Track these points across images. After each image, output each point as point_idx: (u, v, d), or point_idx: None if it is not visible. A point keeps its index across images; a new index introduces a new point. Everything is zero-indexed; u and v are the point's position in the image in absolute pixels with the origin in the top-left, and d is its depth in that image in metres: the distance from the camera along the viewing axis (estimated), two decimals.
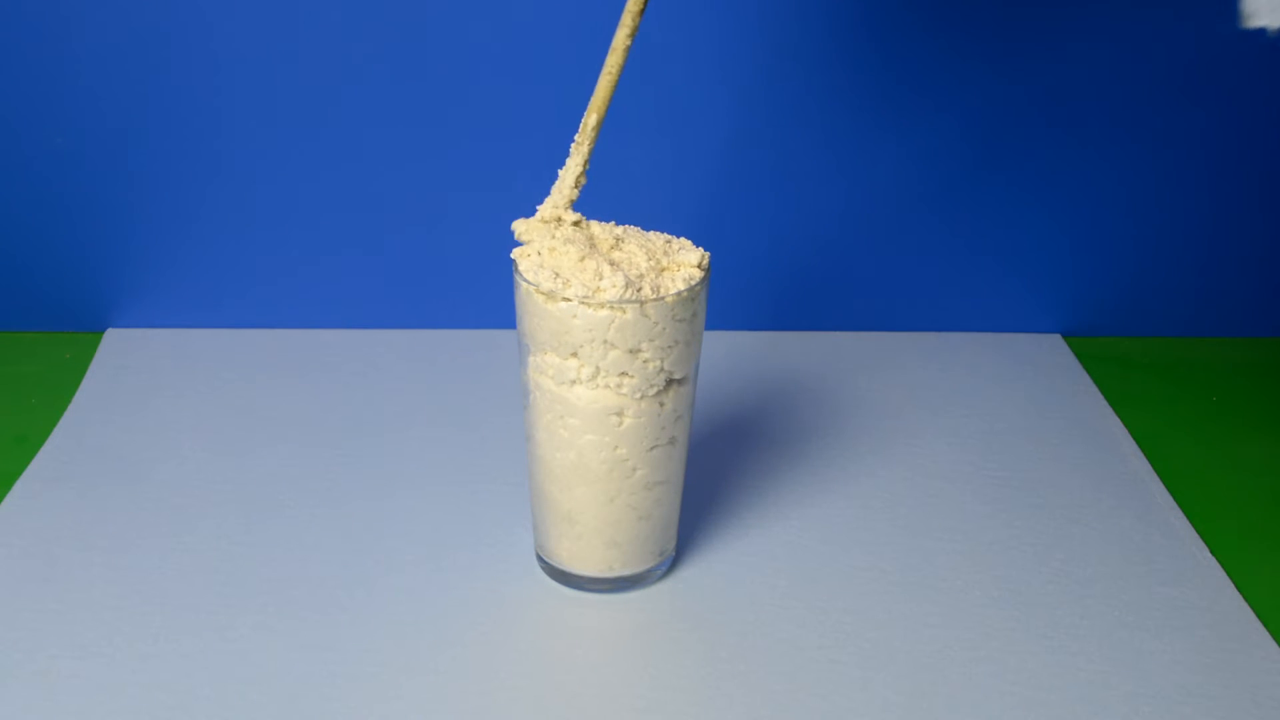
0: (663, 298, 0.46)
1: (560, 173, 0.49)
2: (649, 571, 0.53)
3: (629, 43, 0.47)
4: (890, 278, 0.75)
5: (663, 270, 0.47)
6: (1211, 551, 0.57)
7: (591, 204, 0.50)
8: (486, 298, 0.73)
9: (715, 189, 0.71)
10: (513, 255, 0.48)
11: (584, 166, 0.48)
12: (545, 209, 0.49)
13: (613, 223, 0.49)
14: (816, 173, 0.71)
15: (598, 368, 0.46)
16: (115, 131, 0.68)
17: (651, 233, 0.50)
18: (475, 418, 0.66)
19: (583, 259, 0.46)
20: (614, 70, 0.47)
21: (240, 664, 0.48)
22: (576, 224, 0.48)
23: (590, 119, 0.48)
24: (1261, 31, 0.67)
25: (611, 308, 0.45)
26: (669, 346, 0.47)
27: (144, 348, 0.72)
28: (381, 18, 0.66)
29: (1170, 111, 0.70)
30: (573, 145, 0.48)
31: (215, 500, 0.58)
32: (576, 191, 0.49)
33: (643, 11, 0.46)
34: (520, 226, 0.49)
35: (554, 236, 0.47)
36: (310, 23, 0.65)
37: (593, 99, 0.48)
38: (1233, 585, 0.54)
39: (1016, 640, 0.51)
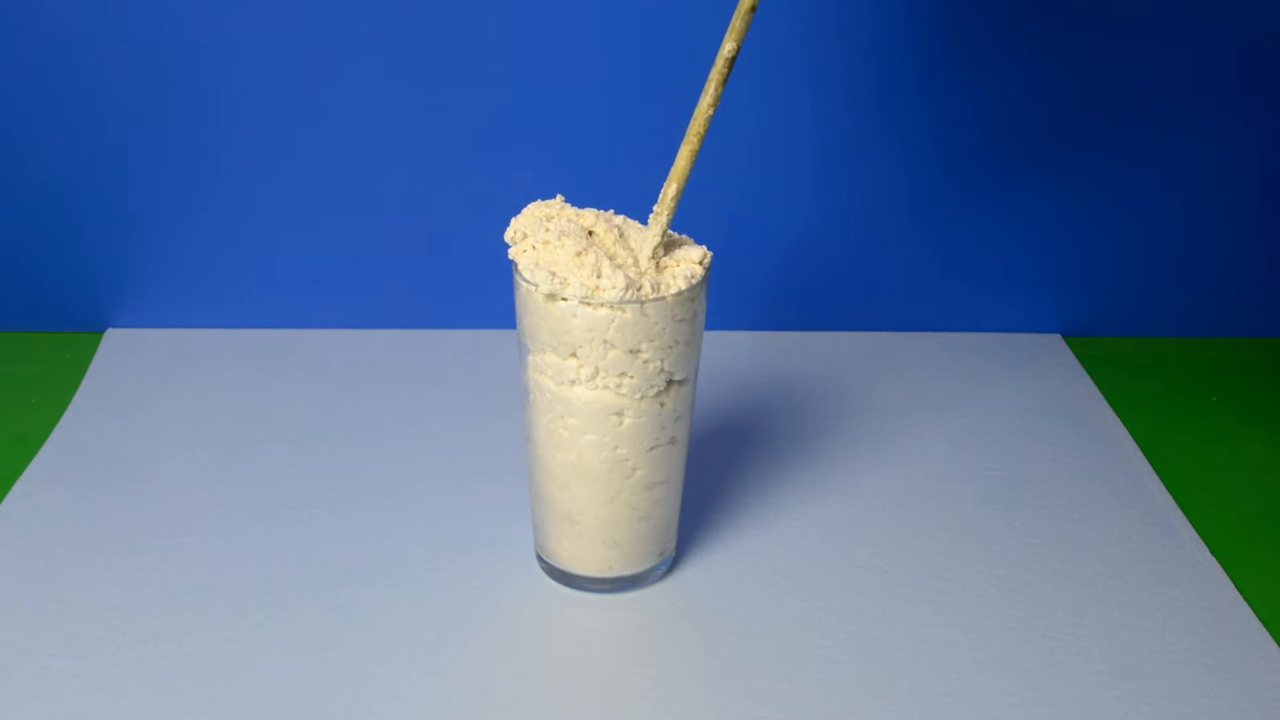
0: (663, 297, 0.46)
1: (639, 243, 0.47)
2: (649, 571, 0.53)
3: (711, 112, 0.45)
4: (890, 278, 0.75)
5: (663, 269, 0.47)
6: (1211, 551, 0.57)
7: (591, 201, 0.50)
8: (486, 298, 0.73)
9: (715, 188, 0.71)
10: (511, 255, 0.48)
11: (662, 238, 0.47)
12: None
13: (611, 210, 0.49)
14: (817, 173, 0.71)
15: (597, 368, 0.46)
16: (115, 131, 0.68)
17: None
18: (475, 418, 0.66)
19: (579, 254, 0.46)
20: (694, 140, 0.45)
21: (240, 664, 0.48)
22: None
23: (670, 189, 0.46)
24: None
25: (611, 307, 0.45)
26: (669, 347, 0.47)
27: (144, 348, 0.72)
28: (381, 17, 0.66)
29: (1169, 111, 0.70)
30: (651, 216, 0.47)
31: (215, 500, 0.58)
32: (654, 264, 0.47)
33: (726, 80, 0.44)
34: (510, 233, 0.48)
35: (547, 230, 0.47)
36: (310, 23, 0.65)
37: (673, 169, 0.46)
38: (1233, 585, 0.54)
39: (1016, 640, 0.51)
